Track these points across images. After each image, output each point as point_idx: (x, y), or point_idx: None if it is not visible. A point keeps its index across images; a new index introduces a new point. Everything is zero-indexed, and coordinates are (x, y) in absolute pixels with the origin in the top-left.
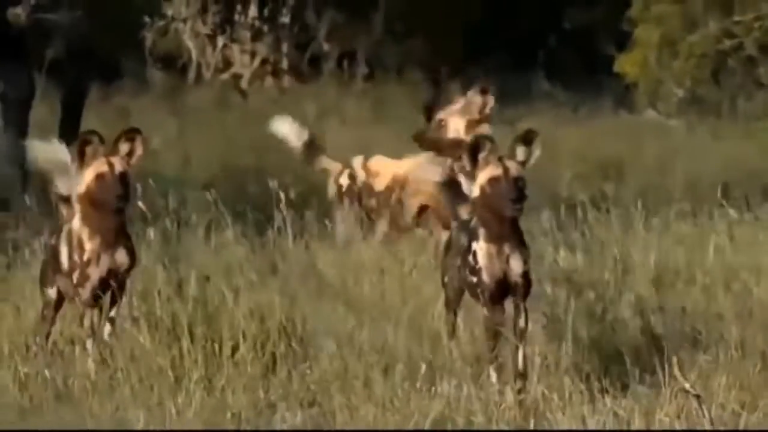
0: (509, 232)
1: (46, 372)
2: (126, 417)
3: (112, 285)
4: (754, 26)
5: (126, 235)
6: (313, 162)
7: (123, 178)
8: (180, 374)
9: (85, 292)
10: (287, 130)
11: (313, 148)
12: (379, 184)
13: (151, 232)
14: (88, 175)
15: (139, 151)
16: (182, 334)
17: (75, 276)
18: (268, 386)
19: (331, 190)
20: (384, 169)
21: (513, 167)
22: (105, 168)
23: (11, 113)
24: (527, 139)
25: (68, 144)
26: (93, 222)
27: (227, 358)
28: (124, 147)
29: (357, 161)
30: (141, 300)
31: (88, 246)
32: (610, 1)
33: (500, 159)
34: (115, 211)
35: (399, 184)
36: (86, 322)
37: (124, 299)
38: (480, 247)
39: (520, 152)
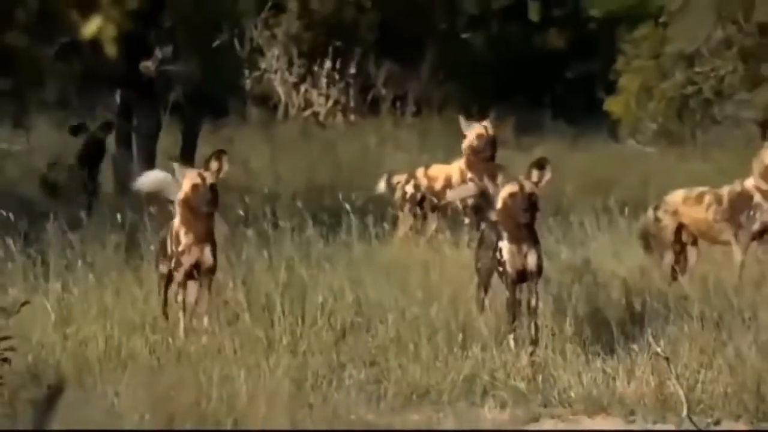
0: (526, 234)
1: (170, 339)
2: (230, 374)
3: (196, 276)
4: (710, 75)
5: (212, 238)
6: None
7: (212, 188)
8: (272, 341)
9: (179, 275)
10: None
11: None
12: (438, 185)
13: (250, 233)
14: (186, 184)
15: (225, 167)
16: (273, 310)
17: (173, 262)
18: (339, 350)
19: (398, 194)
20: (440, 173)
21: (527, 185)
22: (198, 180)
23: (143, 143)
24: (540, 164)
25: (191, 165)
26: (188, 222)
27: (308, 328)
28: (213, 164)
29: (419, 171)
30: (242, 284)
31: (183, 240)
32: (601, 57)
33: (519, 179)
34: (206, 214)
35: (450, 183)
36: (179, 298)
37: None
38: (504, 245)
39: (535, 175)
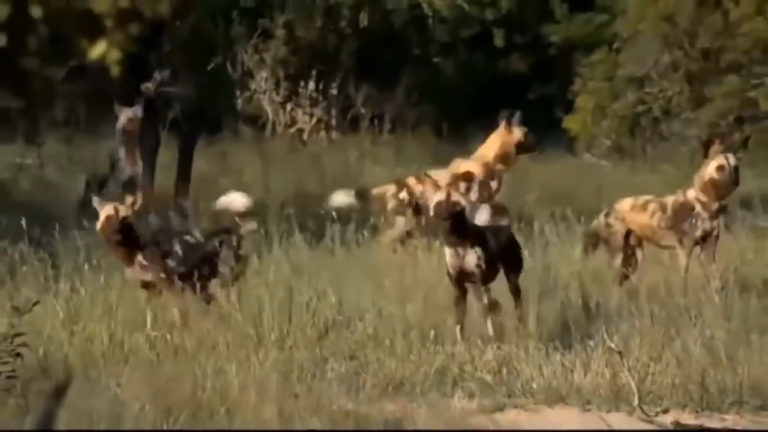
0: (456, 239)
1: (168, 335)
2: (223, 367)
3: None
4: (659, 96)
5: (135, 260)
6: (369, 204)
7: (123, 220)
8: (261, 337)
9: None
10: (341, 199)
11: (363, 198)
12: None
13: None
14: (101, 216)
15: (139, 201)
16: (263, 309)
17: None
18: (322, 346)
19: (391, 204)
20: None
21: (454, 195)
22: (112, 212)
23: (144, 157)
24: (466, 178)
25: (186, 180)
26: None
27: (294, 326)
28: (128, 199)
29: (410, 179)
30: (235, 284)
31: None
32: (560, 79)
33: (446, 189)
34: (116, 243)
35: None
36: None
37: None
38: (445, 250)
39: (462, 186)
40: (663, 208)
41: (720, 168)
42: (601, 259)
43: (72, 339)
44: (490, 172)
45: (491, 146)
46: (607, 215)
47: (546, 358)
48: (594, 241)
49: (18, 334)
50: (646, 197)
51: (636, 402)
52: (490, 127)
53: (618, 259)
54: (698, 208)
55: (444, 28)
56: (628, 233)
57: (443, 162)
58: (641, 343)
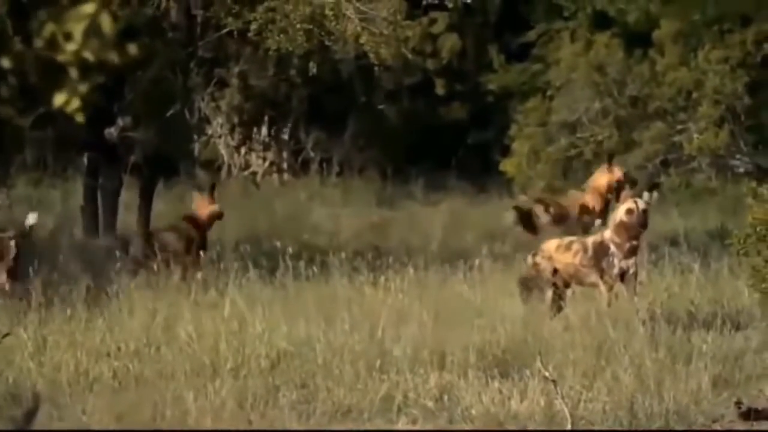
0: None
1: (130, 365)
2: (181, 395)
3: None
4: (590, 141)
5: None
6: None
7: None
8: (217, 366)
9: None
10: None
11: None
12: None
13: (199, 275)
14: None
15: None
16: (219, 339)
17: None
18: (275, 374)
19: (544, 220)
20: None
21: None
22: None
23: (107, 199)
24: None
25: (146, 219)
26: None
27: (248, 356)
28: None
29: (549, 200)
30: (192, 317)
31: None
32: (497, 125)
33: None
34: None
35: None
36: None
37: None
38: (615, 256)
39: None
40: (585, 248)
41: (629, 211)
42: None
43: (40, 368)
44: (604, 201)
45: (600, 181)
46: (534, 255)
47: (485, 386)
48: (527, 284)
49: None
50: (570, 238)
51: (569, 427)
52: (432, 170)
53: (548, 294)
54: (612, 248)
55: (389, 77)
56: (555, 271)
57: (388, 203)
58: (574, 371)
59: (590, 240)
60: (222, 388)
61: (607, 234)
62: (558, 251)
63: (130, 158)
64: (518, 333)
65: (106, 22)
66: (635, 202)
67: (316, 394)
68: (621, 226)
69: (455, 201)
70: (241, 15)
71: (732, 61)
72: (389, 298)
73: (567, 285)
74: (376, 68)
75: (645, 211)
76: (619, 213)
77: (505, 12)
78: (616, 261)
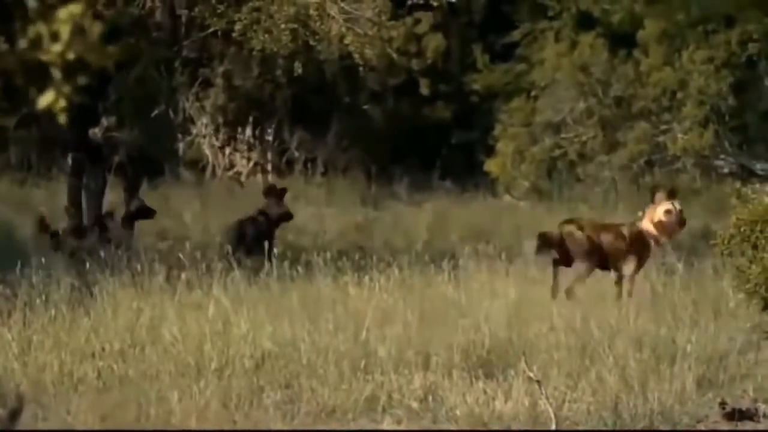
0: None
1: (114, 365)
2: (165, 396)
3: None
4: (574, 141)
5: None
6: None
7: None
8: (201, 367)
9: None
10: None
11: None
12: None
13: (183, 275)
14: None
15: None
16: (204, 340)
17: None
18: (259, 375)
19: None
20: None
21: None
22: None
23: (91, 199)
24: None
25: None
26: None
27: (232, 356)
28: None
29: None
30: (177, 317)
31: None
32: (482, 125)
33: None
34: None
35: None
36: None
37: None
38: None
39: None
40: (622, 234)
41: (668, 212)
42: (523, 292)
43: (24, 369)
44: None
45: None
46: (569, 222)
47: (469, 387)
48: (550, 242)
49: None
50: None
51: (553, 428)
52: (417, 170)
53: (583, 267)
54: (651, 241)
55: (373, 77)
56: (593, 247)
57: (372, 203)
58: (558, 372)
59: (626, 228)
60: (206, 388)
61: (645, 225)
62: (595, 229)
63: (114, 158)
64: (503, 333)
65: (92, 23)
66: (672, 204)
67: (301, 395)
68: (659, 225)
69: (439, 201)
70: (225, 15)
71: (716, 61)
72: (374, 298)
73: (602, 265)
74: (360, 68)
75: (681, 211)
76: (658, 213)
77: (490, 12)
78: (650, 253)
